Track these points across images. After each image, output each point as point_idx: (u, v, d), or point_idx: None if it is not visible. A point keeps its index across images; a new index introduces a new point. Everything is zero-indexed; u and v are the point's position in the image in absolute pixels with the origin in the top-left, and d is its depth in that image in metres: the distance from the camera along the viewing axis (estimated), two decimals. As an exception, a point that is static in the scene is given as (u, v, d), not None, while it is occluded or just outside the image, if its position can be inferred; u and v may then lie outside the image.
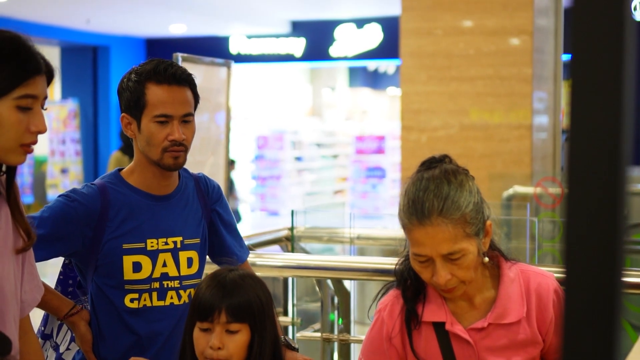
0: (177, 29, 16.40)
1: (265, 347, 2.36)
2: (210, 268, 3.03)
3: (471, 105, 7.04)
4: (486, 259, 2.41)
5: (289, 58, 16.80)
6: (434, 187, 2.33)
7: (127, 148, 8.40)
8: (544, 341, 2.44)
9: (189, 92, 2.76)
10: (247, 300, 2.35)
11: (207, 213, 2.93)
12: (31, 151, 2.07)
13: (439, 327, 2.44)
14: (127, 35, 17.20)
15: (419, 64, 7.19)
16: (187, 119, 2.74)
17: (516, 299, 2.42)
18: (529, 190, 6.20)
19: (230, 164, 8.59)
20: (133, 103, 2.73)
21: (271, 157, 18.59)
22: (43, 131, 2.05)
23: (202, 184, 2.95)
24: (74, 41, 16.05)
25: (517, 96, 7.01)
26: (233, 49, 16.91)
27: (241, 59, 16.51)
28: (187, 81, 2.76)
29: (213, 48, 16.27)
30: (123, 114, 2.77)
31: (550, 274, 2.50)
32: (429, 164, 2.43)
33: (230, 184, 8.78)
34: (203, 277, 2.81)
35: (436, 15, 7.19)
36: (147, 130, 2.71)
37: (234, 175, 12.63)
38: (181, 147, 2.72)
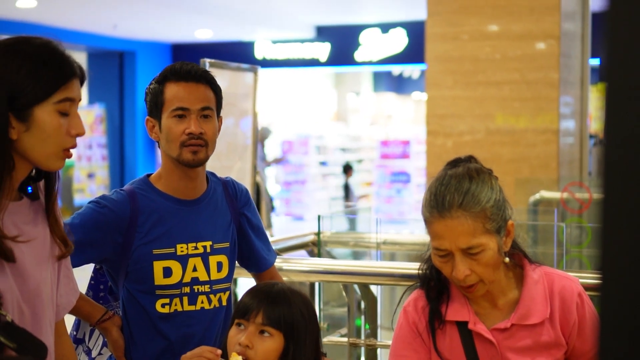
0: (203, 34, 16.46)
1: None
2: (238, 272, 3.05)
3: (497, 110, 7.02)
4: (507, 259, 2.42)
5: (313, 63, 16.82)
6: (455, 182, 2.36)
7: None
8: (567, 344, 2.44)
9: (208, 90, 2.77)
10: (288, 312, 2.36)
11: (236, 217, 2.93)
12: (71, 155, 2.09)
13: (462, 326, 2.46)
14: (154, 40, 17.28)
15: (445, 68, 7.18)
16: (206, 113, 2.75)
17: (540, 301, 2.43)
18: (555, 195, 6.17)
19: (348, 169, 8.46)
20: (154, 105, 2.76)
21: (296, 161, 18.61)
22: (82, 134, 2.08)
23: (230, 187, 2.96)
24: (101, 46, 16.15)
25: (544, 101, 6.98)
26: (258, 54, 16.95)
27: (266, 63, 16.54)
28: (204, 78, 2.77)
29: (239, 53, 16.32)
30: (147, 117, 2.80)
31: (574, 278, 2.51)
32: (455, 163, 2.47)
33: (346, 189, 8.61)
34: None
35: (462, 20, 7.18)
36: (166, 127, 2.73)
37: (350, 180, 12.07)
38: (200, 141, 2.71)
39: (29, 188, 2.06)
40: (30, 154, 2.01)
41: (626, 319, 0.73)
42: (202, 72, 2.77)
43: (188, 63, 2.80)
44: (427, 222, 2.38)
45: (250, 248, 2.99)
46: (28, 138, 1.99)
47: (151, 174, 2.87)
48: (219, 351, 2.36)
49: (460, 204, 2.32)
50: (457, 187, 2.34)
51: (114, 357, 2.82)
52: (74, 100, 2.05)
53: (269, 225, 8.99)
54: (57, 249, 2.17)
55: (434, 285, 2.49)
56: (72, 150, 2.08)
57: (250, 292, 2.44)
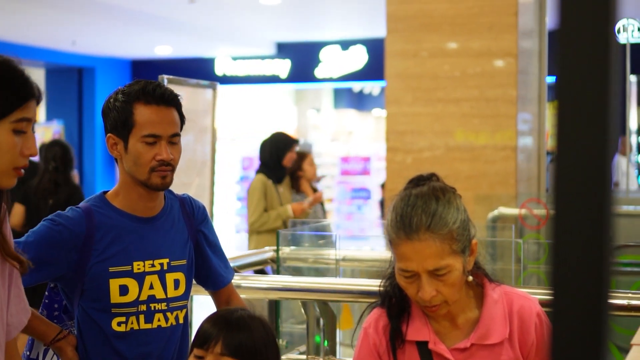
0: (163, 51, 16.42)
1: None
2: (195, 290, 3.02)
3: (457, 127, 7.05)
4: (470, 277, 2.42)
5: (274, 79, 16.84)
6: (422, 203, 2.34)
7: (266, 169, 8.01)
8: (525, 363, 2.44)
9: (176, 113, 2.76)
10: (247, 339, 2.33)
11: (193, 234, 2.91)
12: (22, 174, 2.08)
13: (422, 346, 2.45)
14: (113, 56, 17.21)
15: (405, 85, 7.21)
16: (174, 140, 2.74)
17: (499, 320, 2.43)
18: (514, 211, 6.21)
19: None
20: (120, 123, 2.71)
21: (257, 178, 18.56)
22: (35, 154, 2.09)
23: (188, 205, 2.94)
24: (60, 62, 16.05)
25: (503, 117, 7.03)
26: (219, 70, 16.94)
27: (227, 80, 16.53)
28: (174, 102, 2.76)
29: (198, 69, 16.29)
30: (109, 134, 2.76)
31: (533, 298, 2.52)
32: (417, 181, 2.45)
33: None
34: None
35: (421, 37, 7.22)
36: (135, 150, 2.70)
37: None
38: (169, 167, 2.72)
39: None
40: None
41: (576, 335, 0.73)
42: (172, 96, 2.76)
43: (154, 83, 2.77)
44: (393, 243, 2.36)
45: (207, 265, 2.97)
46: None
47: (107, 191, 2.84)
48: None
49: (428, 226, 2.30)
50: (424, 209, 2.33)
51: (68, 376, 2.78)
52: (30, 120, 2.05)
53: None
54: (7, 268, 2.14)
55: (395, 302, 2.48)
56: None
57: (210, 320, 2.41)
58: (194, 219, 2.93)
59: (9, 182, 2.07)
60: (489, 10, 6.98)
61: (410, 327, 2.46)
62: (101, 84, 17.07)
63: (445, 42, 7.21)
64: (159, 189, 2.75)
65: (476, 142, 7.07)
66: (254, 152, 18.74)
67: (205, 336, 2.34)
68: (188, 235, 2.89)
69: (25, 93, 2.05)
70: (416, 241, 2.30)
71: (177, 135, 2.76)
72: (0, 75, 2.02)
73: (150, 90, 2.72)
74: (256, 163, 18.43)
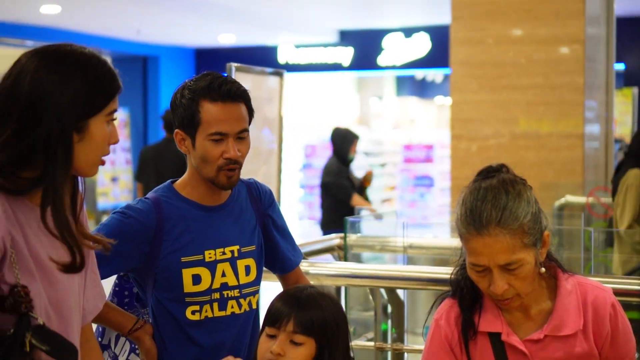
0: (226, 39, 16.50)
1: None
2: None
3: (522, 114, 7.01)
4: (543, 269, 2.39)
5: (336, 67, 16.81)
6: (491, 197, 2.32)
7: None
8: (599, 354, 2.42)
9: (244, 108, 2.73)
10: (319, 317, 2.34)
11: (261, 219, 2.91)
12: (104, 163, 2.13)
13: (494, 337, 2.42)
14: (177, 45, 17.34)
15: (469, 72, 7.18)
16: (242, 136, 2.72)
17: (573, 311, 2.40)
18: (580, 199, 6.16)
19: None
20: (187, 120, 2.70)
21: (319, 165, 18.57)
22: (117, 142, 2.13)
23: (254, 190, 2.93)
24: (125, 52, 16.22)
25: (569, 105, 6.97)
26: (281, 59, 16.97)
27: (289, 68, 16.55)
28: (242, 97, 2.72)
29: (262, 57, 16.34)
30: (177, 129, 2.74)
31: (608, 288, 2.48)
32: (487, 173, 2.41)
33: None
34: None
35: (486, 24, 7.18)
36: (202, 148, 2.69)
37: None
38: (236, 165, 2.70)
39: None
40: (74, 162, 2.04)
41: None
42: (239, 91, 2.72)
43: (221, 78, 2.74)
44: (463, 238, 2.34)
45: (276, 249, 2.96)
46: (78, 147, 2.03)
47: (175, 181, 2.84)
48: None
49: (498, 221, 2.28)
50: (493, 203, 2.30)
51: (142, 363, 2.81)
52: (116, 111, 2.10)
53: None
54: (84, 252, 2.19)
55: (467, 293, 2.46)
56: None
57: (281, 298, 2.42)
58: (261, 204, 2.92)
59: (95, 171, 2.12)
60: (556, -4, 6.92)
61: (482, 318, 2.44)
62: (165, 73, 17.21)
63: (511, 29, 7.16)
64: (226, 188, 2.75)
65: (541, 129, 7.02)
66: (317, 140, 18.81)
67: (276, 315, 2.35)
68: (256, 220, 2.89)
69: (116, 86, 2.11)
70: (486, 236, 2.28)
71: (245, 130, 2.73)
72: (94, 70, 2.06)
73: (216, 87, 2.69)
74: (319, 151, 18.50)
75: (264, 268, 2.97)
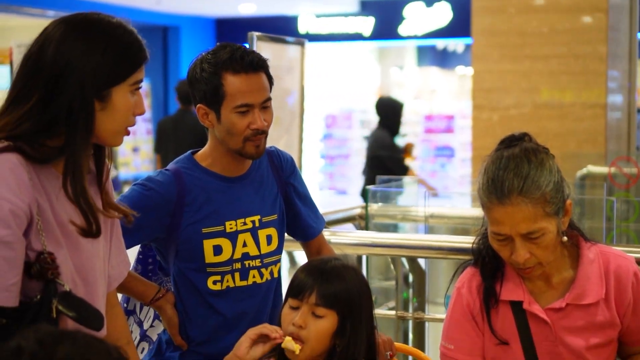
0: (247, 9, 16.46)
1: (358, 339, 2.34)
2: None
3: (544, 84, 6.97)
4: (565, 238, 2.39)
5: (357, 37, 16.76)
6: (514, 166, 2.31)
7: None
8: (621, 323, 2.42)
9: (265, 77, 2.71)
10: (342, 290, 2.33)
11: (282, 187, 2.90)
12: (129, 133, 2.14)
13: (516, 306, 2.43)
14: (197, 15, 17.32)
15: (492, 42, 7.14)
16: (266, 105, 2.71)
17: (595, 280, 2.39)
18: (603, 170, 6.13)
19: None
20: (210, 94, 2.68)
21: (340, 136, 18.59)
22: (143, 113, 2.14)
23: (275, 157, 2.92)
24: (145, 21, 16.20)
25: (591, 75, 6.93)
26: (302, 28, 16.93)
27: (310, 38, 16.43)
28: (263, 66, 2.71)
29: (282, 27, 16.29)
30: (199, 105, 2.72)
31: (630, 257, 2.48)
32: (509, 142, 2.40)
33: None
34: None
35: (509, -7, 7.13)
36: (228, 121, 2.67)
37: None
38: (263, 135, 2.69)
39: None
40: (97, 131, 2.05)
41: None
42: (261, 61, 2.70)
43: (241, 49, 2.71)
44: (485, 206, 2.33)
45: (298, 217, 2.95)
46: (101, 116, 2.04)
47: (196, 152, 2.83)
48: (282, 332, 2.35)
49: (520, 190, 2.27)
50: (515, 172, 2.29)
51: (165, 330, 2.82)
52: (142, 81, 2.10)
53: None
54: (109, 221, 2.21)
55: (489, 261, 2.46)
56: None
57: (304, 270, 2.41)
58: (282, 172, 2.91)
59: (120, 140, 2.13)
60: (578, -35, 6.86)
61: (504, 287, 2.44)
62: (186, 43, 17.21)
63: (533, -2, 7.11)
64: (254, 157, 2.74)
65: (564, 99, 6.98)
66: (337, 111, 18.79)
67: (300, 286, 2.35)
68: (277, 189, 2.88)
69: (141, 56, 2.11)
70: (508, 205, 2.27)
71: (269, 99, 2.72)
72: (122, 38, 2.07)
73: (238, 58, 2.66)
74: (340, 121, 18.48)
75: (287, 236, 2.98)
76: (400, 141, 11.79)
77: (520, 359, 2.43)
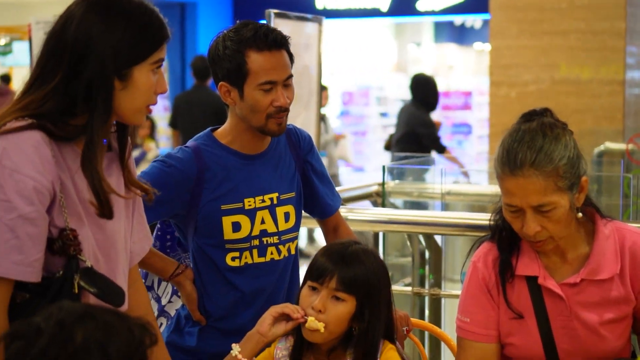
0: (264, -15, 16.42)
1: (376, 323, 2.36)
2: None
3: (563, 60, 6.95)
4: (580, 214, 2.40)
5: (374, 13, 16.68)
6: (528, 139, 2.33)
7: None
8: (636, 299, 2.43)
9: (286, 54, 2.73)
10: (362, 275, 2.34)
11: (300, 165, 2.93)
12: (151, 111, 2.15)
13: (531, 281, 2.45)
14: (214, -9, 17.28)
15: (510, 17, 7.12)
16: (288, 82, 2.72)
17: (610, 256, 2.41)
18: (620, 146, 6.12)
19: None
20: (233, 72, 2.69)
21: (356, 113, 18.55)
22: (165, 92, 2.15)
23: (293, 135, 2.94)
24: (162, -2, 16.21)
25: (610, 51, 6.90)
26: (319, 4, 16.86)
27: (327, 14, 16.38)
28: (285, 44, 2.72)
29: (299, 3, 16.23)
30: (222, 82, 2.73)
31: None
32: (529, 116, 2.43)
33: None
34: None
35: (527, -31, 7.10)
36: (252, 98, 2.68)
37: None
38: (285, 112, 2.71)
39: (104, 139, 2.11)
40: (118, 109, 2.07)
41: None
42: (284, 39, 2.72)
43: (264, 26, 2.73)
44: (499, 177, 2.36)
45: (315, 195, 2.98)
46: (121, 95, 2.05)
47: (216, 129, 2.85)
48: (303, 312, 2.37)
49: (532, 162, 2.29)
50: (529, 145, 2.31)
51: (184, 305, 2.85)
52: (163, 60, 2.11)
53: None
54: (131, 194, 2.23)
55: (505, 236, 2.48)
56: None
57: (325, 253, 2.42)
58: (300, 149, 2.93)
59: (141, 119, 2.15)
60: (598, -60, 6.83)
61: (519, 262, 2.46)
62: (203, 20, 17.17)
63: (552, -27, 7.08)
64: (276, 134, 2.76)
65: (582, 75, 6.96)
66: (354, 87, 18.75)
67: (320, 270, 2.36)
68: (295, 166, 2.91)
69: (162, 35, 2.12)
70: (520, 177, 2.30)
71: (291, 76, 2.74)
72: (142, 17, 2.08)
73: (262, 36, 2.68)
74: (357, 98, 18.44)
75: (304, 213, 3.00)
76: None
77: (535, 333, 2.45)
